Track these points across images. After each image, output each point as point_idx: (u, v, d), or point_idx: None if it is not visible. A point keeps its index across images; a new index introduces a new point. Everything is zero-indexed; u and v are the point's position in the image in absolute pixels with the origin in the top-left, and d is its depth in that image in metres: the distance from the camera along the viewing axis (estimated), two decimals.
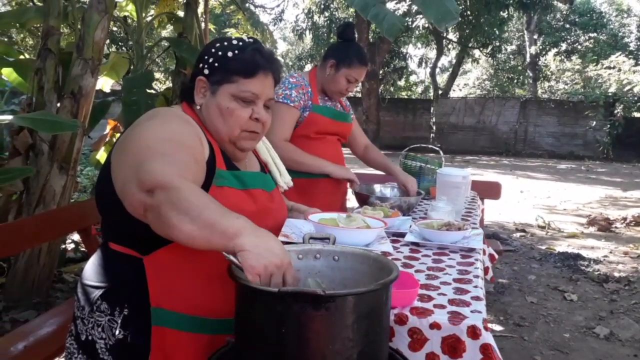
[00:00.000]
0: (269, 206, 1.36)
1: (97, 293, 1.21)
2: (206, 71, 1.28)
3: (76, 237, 4.02)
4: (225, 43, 1.29)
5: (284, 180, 1.57)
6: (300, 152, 2.34)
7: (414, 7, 13.07)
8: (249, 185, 1.31)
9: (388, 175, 2.72)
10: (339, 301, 0.90)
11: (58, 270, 3.56)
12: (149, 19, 4.85)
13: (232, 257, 0.94)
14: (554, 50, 21.73)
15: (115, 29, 10.19)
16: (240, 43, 1.29)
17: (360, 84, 16.01)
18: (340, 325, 0.91)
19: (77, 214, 2.54)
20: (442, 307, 1.28)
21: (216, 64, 1.27)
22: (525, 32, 21.61)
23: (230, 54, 1.27)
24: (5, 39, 8.36)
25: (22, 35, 11.69)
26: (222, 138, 1.30)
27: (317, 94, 2.44)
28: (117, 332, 1.18)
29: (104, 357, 1.20)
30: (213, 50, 1.29)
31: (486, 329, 1.19)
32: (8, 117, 2.94)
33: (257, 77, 1.28)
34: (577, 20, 20.96)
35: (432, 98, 19.33)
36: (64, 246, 3.89)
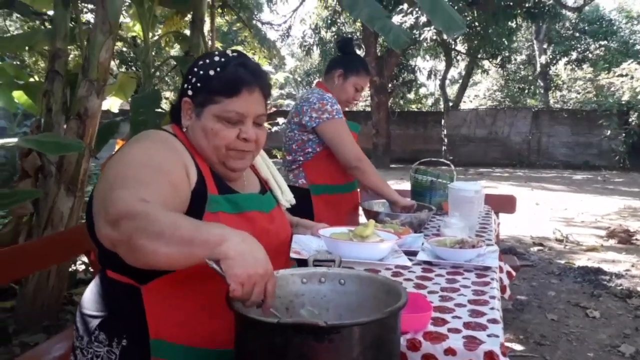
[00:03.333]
0: (268, 228, 1.30)
1: (95, 323, 1.17)
2: (190, 92, 1.23)
3: (85, 258, 3.99)
4: (207, 60, 1.23)
5: (286, 198, 1.51)
6: (377, 175, 2.44)
7: (422, 20, 13.06)
8: (245, 209, 1.25)
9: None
10: (343, 332, 0.84)
11: (68, 292, 3.53)
12: (155, 38, 4.87)
13: (214, 265, 0.88)
14: (565, 59, 21.60)
15: (124, 49, 10.31)
16: (223, 59, 1.22)
17: (370, 98, 15.97)
18: (345, 357, 0.85)
19: (84, 236, 2.50)
20: (457, 331, 1.21)
21: (199, 84, 1.21)
22: (534, 41, 21.53)
23: (212, 72, 1.20)
24: (17, 62, 8.48)
25: (34, 59, 11.87)
26: (210, 159, 1.24)
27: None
28: None
29: None
30: (195, 69, 1.23)
31: (504, 354, 1.12)
32: (14, 140, 2.93)
33: (241, 95, 1.20)
34: (586, 28, 20.83)
35: (442, 110, 19.26)
36: (74, 267, 3.87)
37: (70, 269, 3.60)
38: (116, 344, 1.14)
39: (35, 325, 3.09)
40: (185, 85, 1.24)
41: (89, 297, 1.23)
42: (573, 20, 20.65)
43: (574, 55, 21.42)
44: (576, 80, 21.77)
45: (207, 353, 1.15)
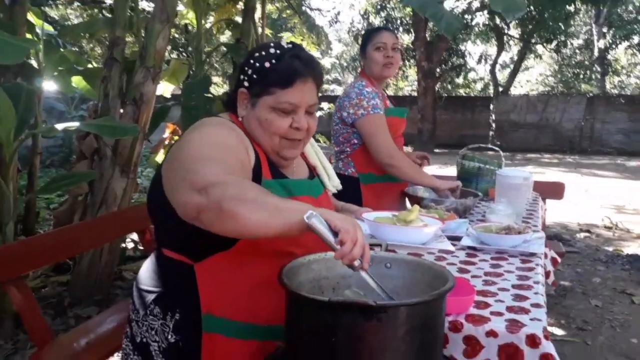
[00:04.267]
0: None
1: (150, 297, 1.24)
2: (246, 83, 1.27)
3: (135, 236, 4.17)
4: (263, 52, 1.26)
5: (333, 183, 1.55)
6: (413, 168, 2.43)
7: (474, 4, 12.73)
8: (295, 193, 1.30)
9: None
10: (391, 312, 0.88)
11: (118, 268, 3.71)
12: (208, 25, 4.98)
13: (316, 222, 0.90)
14: (625, 44, 20.53)
15: (176, 35, 10.54)
16: (278, 51, 1.26)
17: (417, 83, 15.68)
18: (392, 336, 0.89)
19: (135, 215, 2.65)
20: (500, 314, 1.23)
21: (254, 76, 1.26)
22: (593, 25, 20.59)
23: (267, 64, 1.24)
24: (76, 49, 8.83)
25: (91, 45, 12.28)
26: (265, 148, 1.30)
27: (385, 98, 2.54)
28: (169, 336, 1.20)
29: (157, 359, 1.22)
30: (252, 61, 1.27)
31: (547, 338, 1.14)
32: (76, 124, 3.10)
33: (295, 86, 1.24)
34: None
35: (492, 95, 18.78)
36: (123, 245, 4.05)
37: (120, 247, 3.76)
38: (170, 318, 1.21)
39: (88, 299, 3.28)
40: (242, 77, 1.29)
41: (145, 274, 1.31)
42: (637, 3, 19.57)
43: (636, 39, 20.31)
44: (636, 66, 20.74)
45: (257, 329, 1.21)
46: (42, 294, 3.36)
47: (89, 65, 4.76)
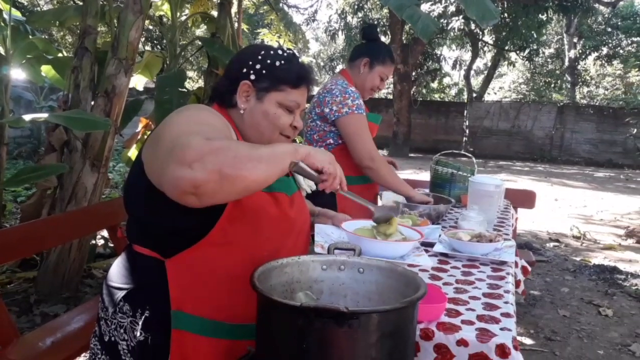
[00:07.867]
0: (288, 210, 1.33)
1: (120, 294, 1.22)
2: (252, 76, 1.31)
3: (105, 232, 4.08)
4: (272, 52, 1.33)
5: (307, 183, 1.57)
6: (391, 174, 2.44)
7: (450, 9, 12.88)
8: (274, 188, 1.28)
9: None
10: (362, 318, 0.86)
11: (87, 265, 3.63)
12: (183, 18, 4.90)
13: (302, 164, 1.06)
14: (594, 55, 21.11)
15: (150, 27, 10.35)
16: (286, 54, 1.34)
17: (392, 86, 15.85)
18: (363, 343, 0.87)
19: (107, 211, 2.59)
20: (471, 323, 1.23)
21: (264, 71, 1.30)
22: (564, 35, 21.08)
23: (278, 63, 1.31)
24: (46, 37, 8.60)
25: (61, 33, 11.98)
26: (261, 141, 1.31)
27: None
28: (138, 333, 1.18)
29: (126, 358, 1.20)
30: (260, 57, 1.32)
31: (516, 348, 1.14)
32: (45, 115, 3.01)
33: (301, 88, 1.34)
34: (619, 23, 20.27)
35: (465, 101, 19.06)
36: (93, 242, 3.96)
37: (90, 243, 3.68)
38: (139, 315, 1.19)
39: (56, 296, 3.20)
40: (245, 70, 1.31)
41: (116, 270, 1.28)
42: (606, 15, 20.13)
43: (605, 50, 20.87)
44: (605, 77, 21.31)
45: (227, 327, 1.20)
46: (7, 290, 3.26)
47: (59, 54, 4.63)
